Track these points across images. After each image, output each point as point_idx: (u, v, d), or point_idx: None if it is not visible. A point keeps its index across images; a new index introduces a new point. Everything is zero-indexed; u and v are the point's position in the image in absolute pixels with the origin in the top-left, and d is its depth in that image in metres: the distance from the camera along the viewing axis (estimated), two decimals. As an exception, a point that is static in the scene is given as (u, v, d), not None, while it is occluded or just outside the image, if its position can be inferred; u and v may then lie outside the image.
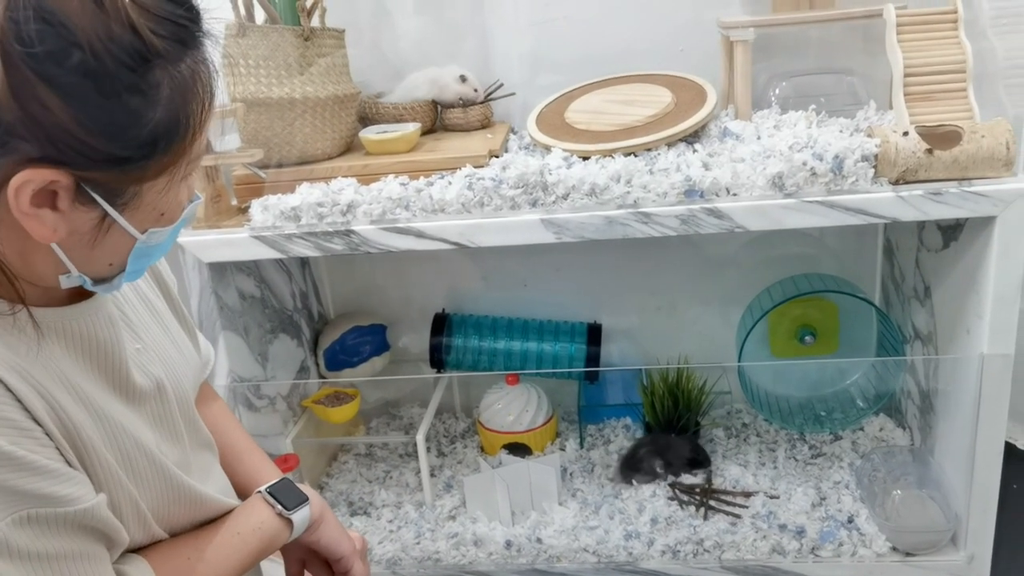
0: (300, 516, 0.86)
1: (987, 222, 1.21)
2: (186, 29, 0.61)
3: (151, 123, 0.60)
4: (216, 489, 0.84)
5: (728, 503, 1.49)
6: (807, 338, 1.66)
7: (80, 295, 0.73)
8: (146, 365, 0.77)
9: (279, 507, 0.85)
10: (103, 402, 0.70)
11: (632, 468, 1.57)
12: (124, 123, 0.59)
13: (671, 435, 1.60)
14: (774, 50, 1.56)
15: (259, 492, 0.87)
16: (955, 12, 1.30)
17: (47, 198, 0.60)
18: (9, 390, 0.62)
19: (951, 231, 1.35)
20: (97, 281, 0.69)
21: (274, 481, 0.89)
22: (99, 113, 0.57)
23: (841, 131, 1.30)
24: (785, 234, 1.70)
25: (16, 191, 0.58)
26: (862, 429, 1.65)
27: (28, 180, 0.58)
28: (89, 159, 0.59)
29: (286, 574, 0.95)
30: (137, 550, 0.74)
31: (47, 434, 0.64)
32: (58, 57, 0.55)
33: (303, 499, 0.87)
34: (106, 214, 0.63)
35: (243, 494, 0.90)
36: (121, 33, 0.57)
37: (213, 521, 0.82)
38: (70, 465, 0.66)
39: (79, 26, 0.55)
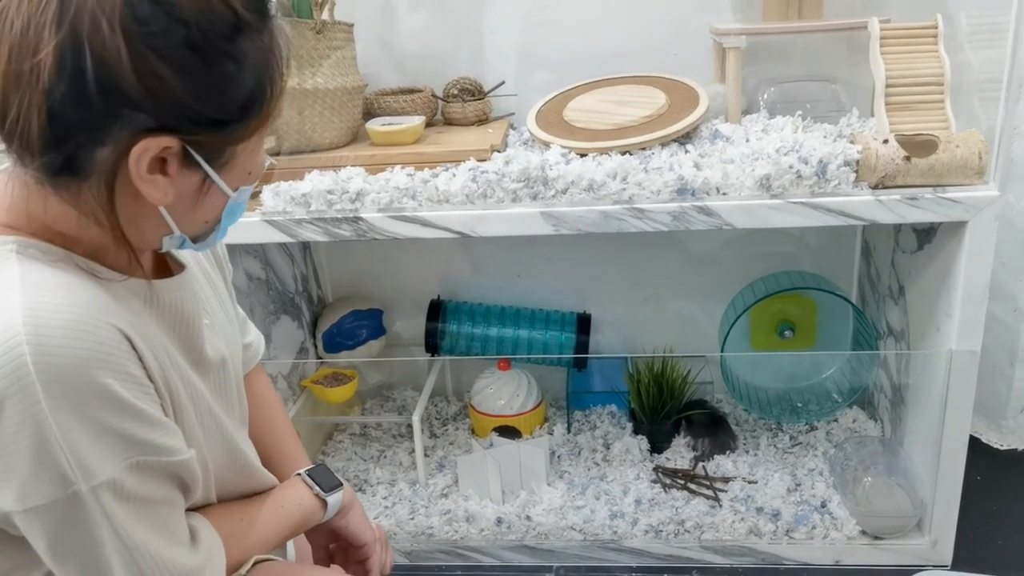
0: (334, 499, 0.94)
1: (959, 227, 1.29)
2: (263, 2, 0.68)
3: (245, 87, 0.67)
4: None
5: (708, 487, 1.57)
6: (786, 332, 1.74)
7: (167, 271, 0.80)
8: (214, 340, 0.83)
9: (317, 488, 0.93)
10: (184, 367, 0.77)
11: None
12: (224, 88, 0.66)
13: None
14: (763, 57, 1.63)
15: (299, 474, 0.95)
16: (935, 27, 1.37)
17: (159, 165, 0.66)
18: (133, 348, 0.68)
19: (925, 234, 1.43)
20: (195, 239, 0.76)
21: (312, 466, 0.97)
22: (203, 80, 0.64)
23: (825, 137, 1.38)
24: (767, 233, 1.78)
25: (137, 159, 0.64)
26: (836, 420, 1.74)
27: (147, 148, 0.64)
28: (196, 124, 0.65)
29: (314, 559, 1.02)
30: (192, 511, 0.80)
31: (156, 390, 0.70)
32: (169, 34, 0.62)
33: (338, 484, 0.95)
34: (206, 176, 0.70)
35: (272, 470, 0.97)
36: (219, 8, 0.64)
37: (258, 494, 0.90)
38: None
39: (185, 5, 0.62)
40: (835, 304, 1.72)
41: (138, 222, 0.71)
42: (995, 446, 1.80)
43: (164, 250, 0.76)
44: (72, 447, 0.63)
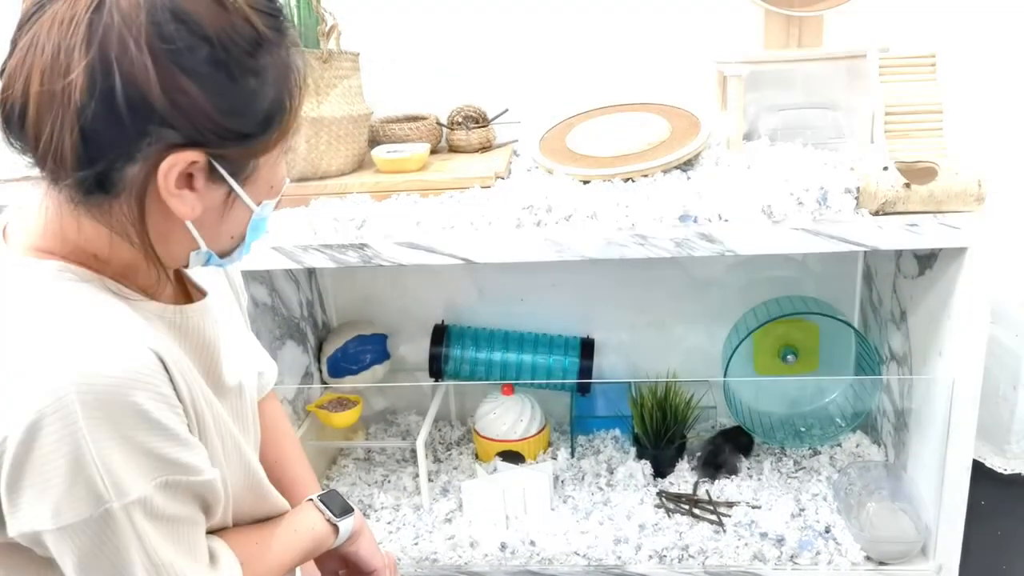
0: (345, 524, 0.95)
1: (959, 252, 1.30)
2: (279, 19, 0.71)
3: (266, 101, 0.70)
4: None
5: (712, 512, 1.57)
6: (789, 357, 1.75)
7: (187, 298, 0.82)
8: (232, 365, 0.85)
9: (329, 513, 0.94)
10: (207, 390, 0.78)
11: (715, 465, 1.69)
12: (247, 102, 0.69)
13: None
14: (764, 84, 1.65)
15: (311, 499, 0.96)
16: (933, 56, 1.40)
17: (187, 180, 0.69)
18: (166, 369, 0.70)
19: (926, 259, 1.44)
20: (221, 255, 0.78)
21: (323, 491, 0.98)
22: (227, 95, 0.67)
23: (826, 164, 1.39)
24: (770, 258, 1.79)
25: (165, 174, 0.67)
26: (839, 445, 1.74)
27: (175, 163, 0.67)
28: (221, 138, 0.68)
29: None
30: (209, 534, 0.81)
31: (184, 410, 0.72)
32: (194, 50, 0.65)
33: (349, 509, 0.96)
34: (231, 190, 0.72)
35: (283, 496, 0.98)
36: (240, 26, 0.67)
37: (271, 519, 0.91)
38: None
39: (208, 23, 0.65)
40: (837, 329, 1.73)
41: (167, 238, 0.73)
42: (999, 471, 1.80)
43: (191, 267, 0.78)
44: (107, 465, 0.64)
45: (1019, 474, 1.80)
